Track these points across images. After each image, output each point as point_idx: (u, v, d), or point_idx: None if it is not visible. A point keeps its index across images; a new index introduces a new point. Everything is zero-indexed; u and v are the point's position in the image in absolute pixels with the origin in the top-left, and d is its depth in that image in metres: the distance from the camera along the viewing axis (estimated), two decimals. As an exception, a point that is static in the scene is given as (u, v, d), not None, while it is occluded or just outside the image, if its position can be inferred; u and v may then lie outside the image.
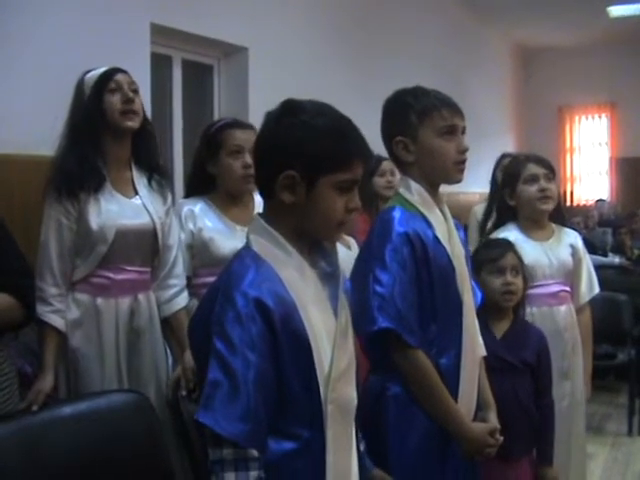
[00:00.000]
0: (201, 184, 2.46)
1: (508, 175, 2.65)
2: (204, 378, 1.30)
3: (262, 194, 1.44)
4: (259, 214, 1.43)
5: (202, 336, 1.34)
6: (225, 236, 2.33)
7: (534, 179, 2.52)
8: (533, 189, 2.51)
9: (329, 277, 1.44)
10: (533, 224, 2.58)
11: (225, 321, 1.29)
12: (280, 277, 1.34)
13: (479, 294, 2.04)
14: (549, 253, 2.55)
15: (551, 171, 2.57)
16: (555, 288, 2.55)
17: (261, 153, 1.42)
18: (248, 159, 2.28)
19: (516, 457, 2.20)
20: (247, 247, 1.40)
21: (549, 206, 2.54)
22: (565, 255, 2.58)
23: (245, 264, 1.35)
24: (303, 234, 1.40)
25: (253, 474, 1.27)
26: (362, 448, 1.61)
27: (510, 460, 2.17)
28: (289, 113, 1.38)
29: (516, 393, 2.19)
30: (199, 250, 2.38)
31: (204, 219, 2.40)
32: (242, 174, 2.33)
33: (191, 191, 2.51)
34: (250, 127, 2.40)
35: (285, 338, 1.31)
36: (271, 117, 1.40)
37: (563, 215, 2.76)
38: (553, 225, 2.63)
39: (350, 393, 1.44)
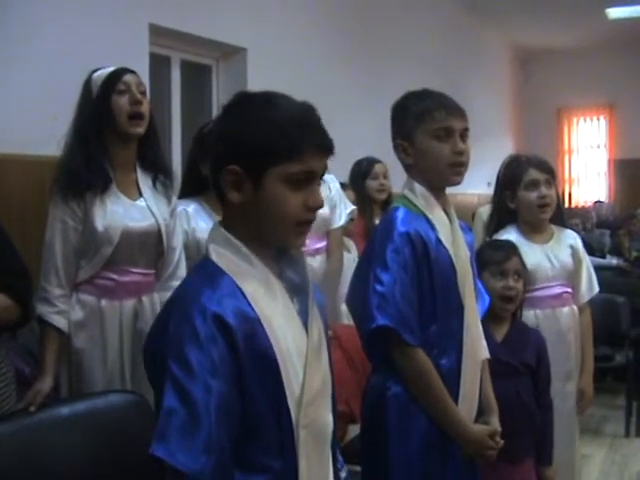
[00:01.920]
0: (194, 185, 2.46)
1: (509, 178, 2.64)
2: (160, 406, 1.15)
3: (218, 198, 1.30)
4: (219, 221, 1.31)
5: (157, 358, 1.19)
6: None
7: (535, 184, 2.52)
8: (533, 195, 2.51)
9: (298, 289, 1.30)
10: (533, 227, 2.58)
11: (182, 342, 1.14)
12: (243, 291, 1.21)
13: (487, 297, 2.03)
14: (550, 255, 2.55)
15: (552, 175, 2.57)
16: (557, 290, 2.55)
17: (209, 150, 1.31)
18: None
19: (521, 459, 2.20)
20: (206, 258, 1.27)
21: (547, 215, 2.55)
22: (566, 256, 2.58)
23: (203, 277, 1.23)
24: (264, 241, 1.26)
25: None
26: (343, 476, 1.45)
27: (515, 462, 2.17)
28: (235, 106, 1.27)
29: (519, 395, 2.19)
30: (192, 251, 2.37)
31: (197, 220, 2.40)
32: None
33: (185, 192, 2.51)
34: None
35: (249, 359, 1.18)
36: (220, 112, 1.31)
37: (563, 216, 2.76)
38: (553, 227, 2.63)
39: (324, 417, 1.31)
